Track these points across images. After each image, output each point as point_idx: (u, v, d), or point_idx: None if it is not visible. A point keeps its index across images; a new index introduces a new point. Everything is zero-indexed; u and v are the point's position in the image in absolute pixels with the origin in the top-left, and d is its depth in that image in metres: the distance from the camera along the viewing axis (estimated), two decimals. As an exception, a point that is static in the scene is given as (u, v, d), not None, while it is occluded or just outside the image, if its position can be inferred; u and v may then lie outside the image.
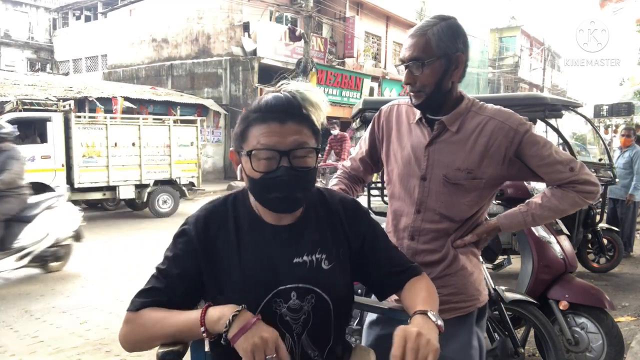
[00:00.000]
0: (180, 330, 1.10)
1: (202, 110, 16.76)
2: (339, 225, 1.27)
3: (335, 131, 10.64)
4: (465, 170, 1.51)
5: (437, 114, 1.55)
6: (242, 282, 1.16)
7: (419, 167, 1.56)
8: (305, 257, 1.20)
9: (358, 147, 1.88)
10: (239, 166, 1.21)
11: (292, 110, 1.15)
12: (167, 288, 1.16)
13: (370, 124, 1.77)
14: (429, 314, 1.13)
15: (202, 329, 1.06)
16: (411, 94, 1.52)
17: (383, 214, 4.90)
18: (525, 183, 3.19)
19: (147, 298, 1.15)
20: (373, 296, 2.86)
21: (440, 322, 1.13)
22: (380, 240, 1.33)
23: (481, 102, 1.58)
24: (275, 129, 1.13)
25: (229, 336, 1.03)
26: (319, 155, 1.21)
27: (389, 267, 1.30)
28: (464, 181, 1.51)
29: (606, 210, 6.15)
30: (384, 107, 1.74)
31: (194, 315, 1.09)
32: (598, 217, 5.58)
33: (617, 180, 5.35)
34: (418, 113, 1.59)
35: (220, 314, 1.06)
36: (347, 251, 1.27)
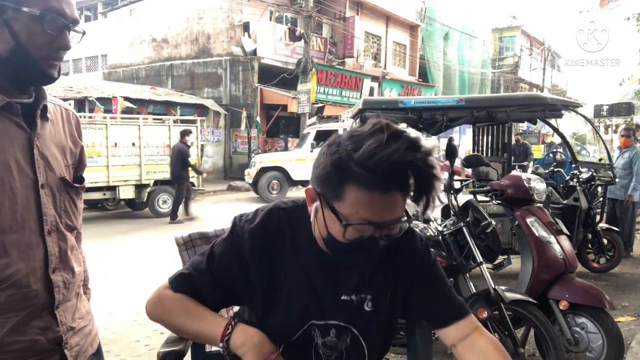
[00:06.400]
0: (201, 335, 1.12)
1: (202, 110, 16.76)
2: (389, 271, 1.15)
3: None
4: (72, 165, 1.24)
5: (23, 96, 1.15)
6: (289, 304, 1.11)
7: (29, 172, 1.11)
8: (353, 296, 1.13)
9: None
10: (314, 206, 1.05)
11: (401, 179, 0.97)
12: (211, 285, 1.13)
13: None
14: None
15: (222, 345, 1.07)
16: (55, 62, 1.13)
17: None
18: (525, 183, 3.18)
19: (188, 288, 1.13)
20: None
21: None
22: (431, 283, 1.19)
23: None
24: (380, 204, 0.97)
25: None
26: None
27: (432, 310, 1.19)
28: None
29: (605, 210, 6.15)
30: None
31: (218, 328, 1.08)
32: (598, 217, 5.58)
33: (617, 180, 5.35)
34: None
35: (242, 342, 1.06)
36: (395, 292, 1.17)
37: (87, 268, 1.41)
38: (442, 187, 1.04)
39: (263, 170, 12.05)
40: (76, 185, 1.22)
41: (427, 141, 0.98)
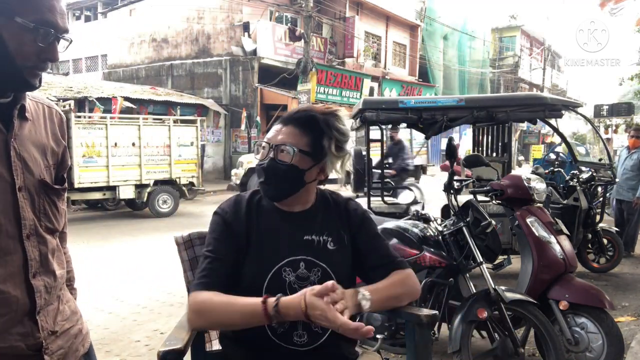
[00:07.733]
0: (243, 315, 1.24)
1: (202, 110, 16.76)
2: (342, 217, 1.48)
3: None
4: (53, 165, 1.20)
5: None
6: (259, 254, 1.37)
7: (5, 175, 1.08)
8: (314, 236, 1.41)
9: None
10: None
11: (298, 117, 1.40)
12: (220, 264, 1.35)
13: None
14: (360, 289, 1.29)
15: (264, 312, 1.20)
16: (40, 72, 1.10)
17: (383, 214, 4.86)
18: (525, 182, 3.18)
19: (208, 278, 1.33)
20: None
21: (364, 302, 1.26)
22: (369, 234, 1.49)
23: None
24: (276, 128, 1.41)
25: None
26: (307, 159, 1.38)
27: (373, 259, 1.45)
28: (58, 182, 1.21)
29: (607, 211, 6.12)
30: None
31: (254, 303, 1.22)
32: (598, 217, 5.58)
33: (617, 180, 5.34)
34: None
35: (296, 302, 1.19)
36: (349, 239, 1.45)
37: (73, 267, 1.40)
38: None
39: (252, 171, 11.76)
40: (56, 187, 1.18)
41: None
